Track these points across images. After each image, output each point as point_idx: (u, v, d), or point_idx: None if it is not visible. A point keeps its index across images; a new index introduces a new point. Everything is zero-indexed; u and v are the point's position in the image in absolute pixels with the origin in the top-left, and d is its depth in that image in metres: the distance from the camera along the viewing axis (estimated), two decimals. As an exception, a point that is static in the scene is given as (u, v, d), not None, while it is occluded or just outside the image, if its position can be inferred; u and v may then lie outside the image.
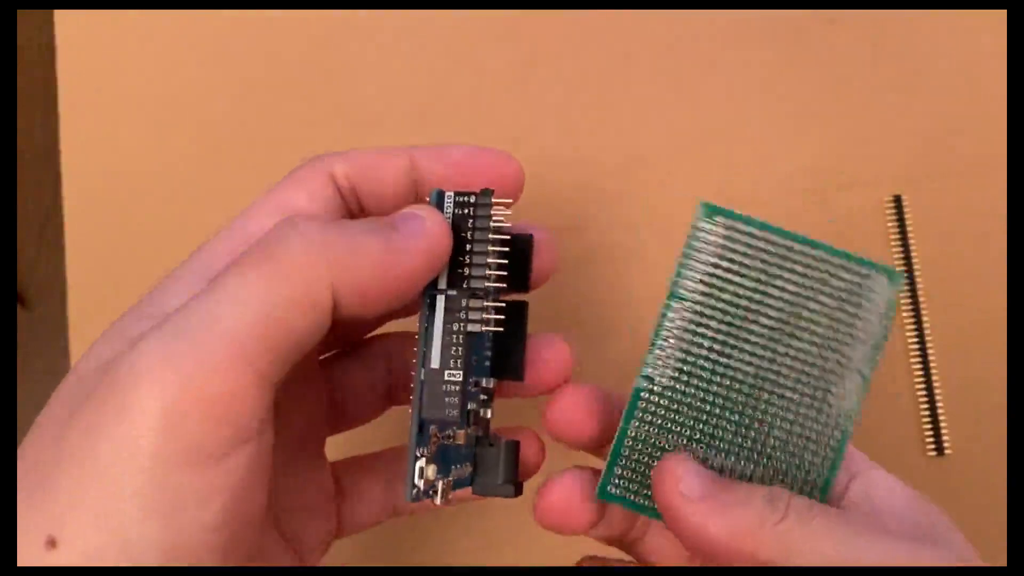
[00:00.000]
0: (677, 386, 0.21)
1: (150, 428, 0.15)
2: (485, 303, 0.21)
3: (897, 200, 0.32)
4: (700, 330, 0.21)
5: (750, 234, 0.21)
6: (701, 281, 0.21)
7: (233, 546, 0.16)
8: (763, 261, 0.21)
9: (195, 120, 0.34)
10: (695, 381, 0.21)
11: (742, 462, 0.21)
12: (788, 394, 0.21)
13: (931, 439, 0.31)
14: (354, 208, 0.22)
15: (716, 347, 0.21)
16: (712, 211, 0.21)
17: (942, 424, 0.31)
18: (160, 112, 0.34)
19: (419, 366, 0.20)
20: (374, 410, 0.25)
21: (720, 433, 0.21)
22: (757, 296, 0.21)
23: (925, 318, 0.31)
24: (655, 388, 0.21)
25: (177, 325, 0.16)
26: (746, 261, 0.21)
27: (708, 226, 0.21)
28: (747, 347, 0.21)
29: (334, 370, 0.24)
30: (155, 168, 0.33)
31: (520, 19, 0.33)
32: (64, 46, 0.34)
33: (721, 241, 0.21)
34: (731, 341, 0.21)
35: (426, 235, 0.19)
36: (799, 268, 0.21)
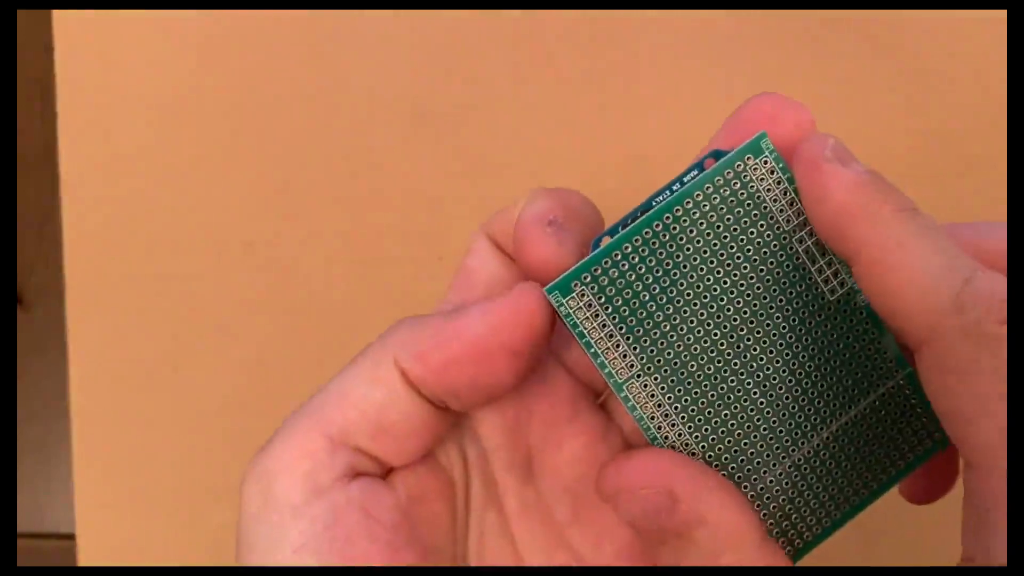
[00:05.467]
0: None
1: (247, 490, 0.19)
2: None
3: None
4: (672, 381, 0.19)
5: (614, 266, 0.18)
6: (621, 350, 0.19)
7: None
8: (650, 269, 0.19)
9: (194, 120, 0.34)
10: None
11: None
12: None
13: (931, 439, 0.31)
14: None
15: (703, 378, 0.19)
16: (565, 287, 0.18)
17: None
18: (159, 113, 0.34)
19: None
20: None
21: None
22: (681, 298, 0.19)
23: (925, 318, 0.31)
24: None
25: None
26: (636, 288, 0.19)
27: (573, 299, 0.18)
28: (724, 341, 0.19)
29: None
30: (154, 169, 0.33)
31: (520, 19, 0.33)
32: (62, 46, 0.34)
33: (600, 294, 0.19)
34: (706, 355, 0.19)
35: (485, 316, 0.19)
36: (683, 237, 0.19)
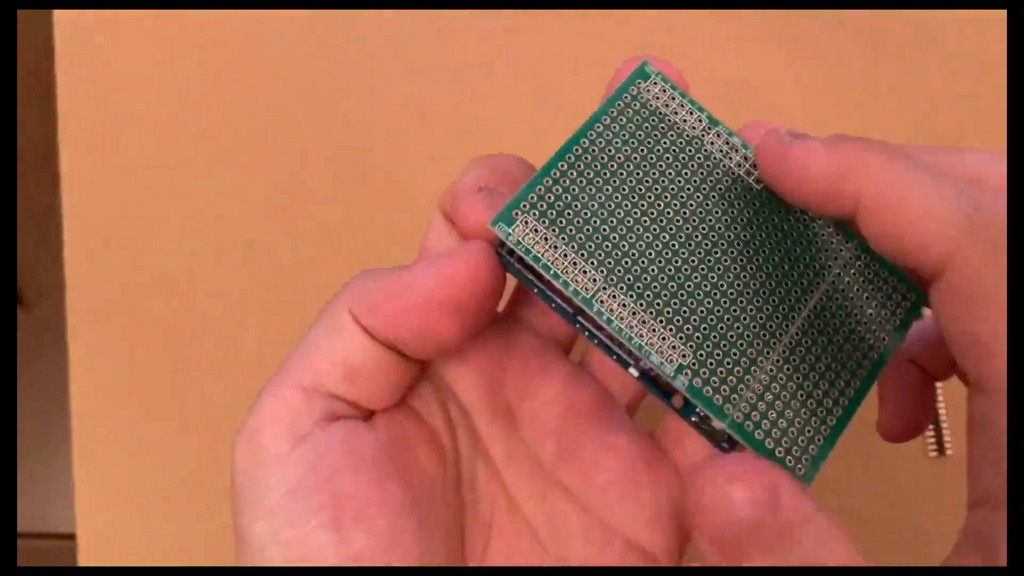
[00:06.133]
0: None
1: (237, 453, 0.20)
2: None
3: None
4: (638, 288, 0.20)
5: (548, 191, 0.20)
6: (580, 267, 0.19)
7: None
8: (584, 188, 0.20)
9: (194, 120, 0.34)
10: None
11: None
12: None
13: (932, 439, 0.31)
14: None
15: (667, 279, 0.20)
16: (506, 216, 0.19)
17: (943, 425, 0.31)
18: (159, 112, 0.34)
19: None
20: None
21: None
22: (621, 211, 0.20)
23: (925, 318, 0.31)
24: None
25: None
26: (576, 208, 0.20)
27: (523, 228, 0.19)
28: (676, 242, 0.20)
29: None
30: (154, 168, 0.33)
31: (520, 20, 0.33)
32: (63, 46, 0.34)
33: (543, 223, 0.19)
34: (662, 258, 0.20)
35: (431, 271, 0.20)
36: (605, 156, 0.20)
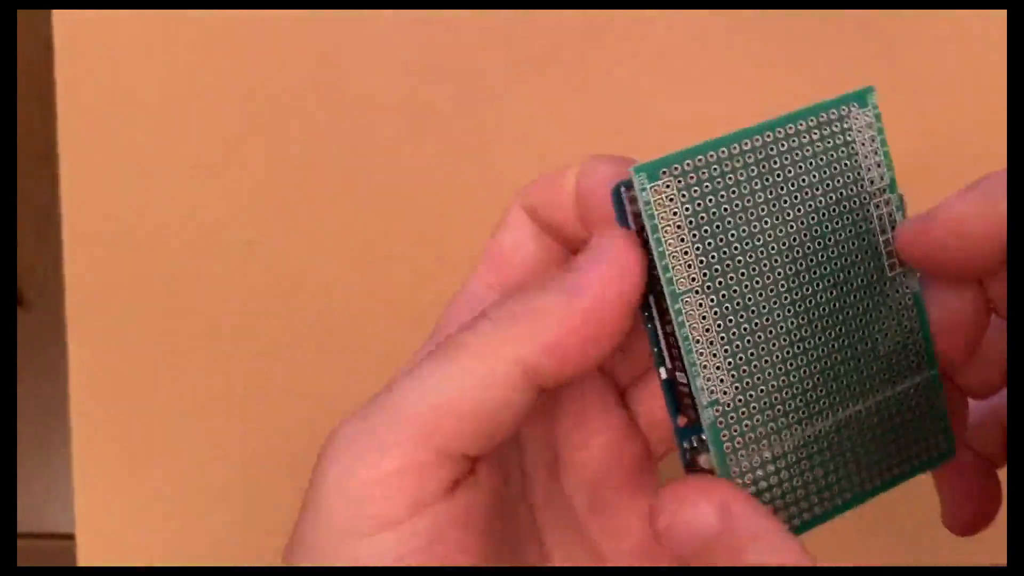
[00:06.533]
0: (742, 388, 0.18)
1: (327, 501, 0.17)
2: None
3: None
4: (726, 309, 0.18)
5: (706, 167, 0.18)
6: (688, 258, 0.18)
7: None
8: (738, 178, 0.18)
9: (194, 120, 0.34)
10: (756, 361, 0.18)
11: (850, 392, 0.19)
12: (852, 281, 0.19)
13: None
14: (554, 236, 0.21)
15: (754, 315, 0.18)
16: (653, 171, 0.17)
17: (942, 424, 0.31)
18: (159, 112, 0.34)
19: None
20: None
21: (817, 385, 0.19)
22: (754, 224, 0.18)
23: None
24: (723, 407, 0.18)
25: (366, 410, 0.18)
26: (719, 198, 0.18)
27: (659, 189, 0.18)
28: (782, 282, 0.19)
29: None
30: (153, 168, 0.33)
31: (520, 19, 0.33)
32: (62, 46, 0.34)
33: (683, 194, 0.18)
34: (762, 292, 0.18)
35: (603, 274, 0.18)
36: (776, 161, 0.18)
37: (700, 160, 0.18)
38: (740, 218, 0.18)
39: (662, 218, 0.18)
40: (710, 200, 0.18)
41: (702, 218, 0.18)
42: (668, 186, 0.18)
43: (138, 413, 0.33)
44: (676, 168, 0.18)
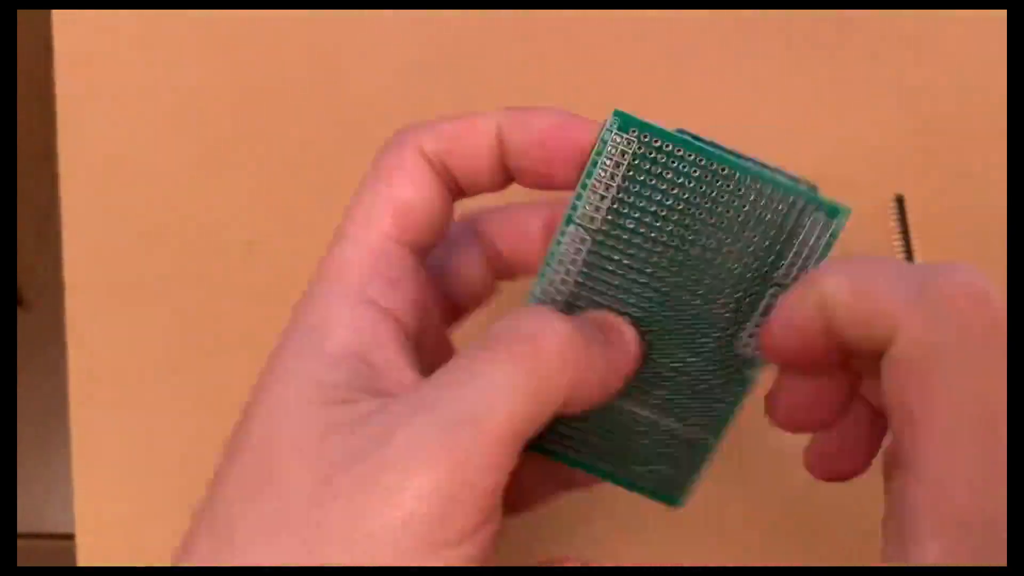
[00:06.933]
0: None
1: (424, 514, 0.16)
2: None
3: (899, 200, 0.32)
4: (598, 261, 0.20)
5: (670, 152, 0.19)
6: (605, 207, 0.19)
7: None
8: (684, 185, 0.19)
9: (194, 120, 0.34)
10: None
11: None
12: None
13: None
14: (451, 185, 0.21)
15: (615, 281, 0.20)
16: (627, 123, 0.19)
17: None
18: (158, 112, 0.34)
19: None
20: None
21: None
22: (671, 227, 0.19)
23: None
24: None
25: (452, 413, 0.17)
26: (662, 185, 0.19)
27: (619, 140, 0.19)
28: (650, 288, 0.20)
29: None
30: (153, 168, 0.33)
31: (520, 19, 0.33)
32: (62, 46, 0.34)
33: (633, 160, 0.19)
34: (632, 275, 0.20)
35: (630, 356, 0.20)
36: (727, 196, 0.19)
37: (670, 147, 0.19)
38: (660, 214, 0.19)
39: (604, 163, 0.19)
40: (651, 181, 0.19)
41: (632, 187, 0.19)
42: (629, 143, 0.19)
43: (138, 413, 0.33)
44: (646, 136, 0.19)
